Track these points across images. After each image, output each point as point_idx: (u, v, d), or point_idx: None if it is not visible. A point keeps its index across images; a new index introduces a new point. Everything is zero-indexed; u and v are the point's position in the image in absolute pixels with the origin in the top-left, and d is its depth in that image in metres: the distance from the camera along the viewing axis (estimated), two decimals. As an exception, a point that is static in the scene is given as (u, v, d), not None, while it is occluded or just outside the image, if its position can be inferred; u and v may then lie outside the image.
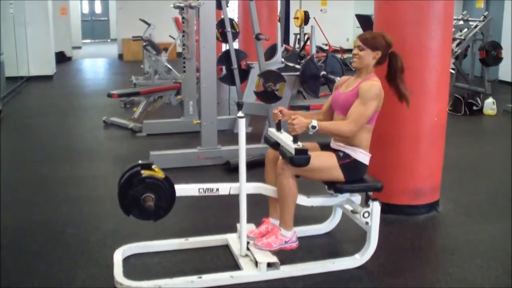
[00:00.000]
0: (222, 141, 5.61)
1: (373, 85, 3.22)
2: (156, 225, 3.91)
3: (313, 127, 3.09)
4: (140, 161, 3.25)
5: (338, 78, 5.38)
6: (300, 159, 3.08)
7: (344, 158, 3.28)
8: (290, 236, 3.33)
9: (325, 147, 3.44)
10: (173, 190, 3.19)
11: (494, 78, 10.58)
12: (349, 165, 3.28)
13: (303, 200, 3.40)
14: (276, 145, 3.36)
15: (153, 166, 3.21)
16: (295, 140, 3.12)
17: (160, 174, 3.17)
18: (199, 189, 3.31)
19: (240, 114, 3.25)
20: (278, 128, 3.41)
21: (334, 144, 3.40)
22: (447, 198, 4.44)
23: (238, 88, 6.83)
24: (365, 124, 3.24)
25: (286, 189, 3.20)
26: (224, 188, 3.34)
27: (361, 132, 3.26)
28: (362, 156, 3.31)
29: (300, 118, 3.11)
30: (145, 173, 3.14)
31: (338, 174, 3.26)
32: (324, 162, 3.25)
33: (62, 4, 14.71)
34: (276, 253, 3.29)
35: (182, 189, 3.28)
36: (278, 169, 3.24)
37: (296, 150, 3.07)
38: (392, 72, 3.39)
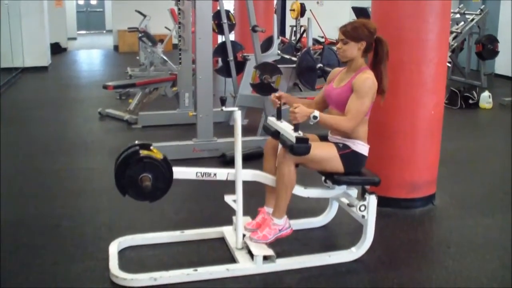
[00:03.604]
0: (217, 133, 5.59)
1: (366, 79, 3.20)
2: (152, 218, 3.92)
3: (315, 117, 3.08)
4: (138, 141, 3.21)
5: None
6: (300, 147, 3.07)
7: (344, 149, 3.27)
8: (283, 223, 3.33)
9: (324, 138, 3.44)
10: (170, 172, 3.16)
11: (490, 71, 10.59)
12: (349, 156, 3.27)
13: (300, 191, 3.39)
14: (275, 134, 3.35)
15: (151, 147, 3.18)
16: (296, 128, 3.11)
17: (159, 155, 3.14)
18: (196, 172, 3.28)
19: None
20: (278, 117, 3.39)
21: (332, 138, 3.39)
22: (443, 192, 4.44)
23: (234, 80, 6.81)
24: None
25: (286, 177, 3.19)
26: (221, 173, 3.31)
27: (358, 125, 3.24)
28: (361, 147, 3.31)
29: (302, 107, 3.10)
30: (143, 153, 3.11)
31: (337, 165, 3.25)
32: (324, 152, 3.24)
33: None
34: (272, 245, 3.29)
35: (180, 172, 3.25)
36: (279, 157, 3.23)
37: (297, 138, 3.06)
38: (377, 58, 3.32)
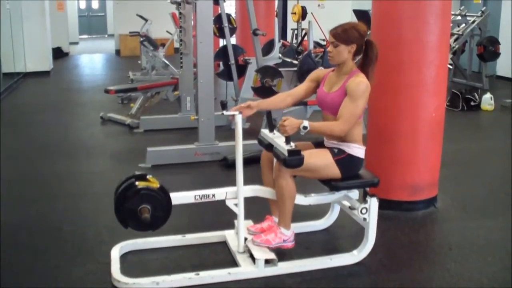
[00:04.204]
0: (219, 137, 5.59)
1: (360, 82, 3.17)
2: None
3: (305, 127, 3.06)
4: (136, 172, 3.22)
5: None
6: (293, 160, 3.06)
7: (339, 154, 3.26)
8: (289, 235, 3.33)
9: (319, 145, 3.42)
10: (168, 199, 3.16)
11: (491, 73, 10.56)
12: (345, 160, 3.26)
13: (300, 200, 3.39)
14: (269, 147, 3.34)
15: (147, 176, 3.18)
16: (288, 141, 3.10)
17: (155, 184, 3.14)
18: (195, 196, 3.30)
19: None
20: (271, 129, 3.38)
21: (327, 143, 3.38)
22: (445, 194, 4.44)
23: (236, 83, 6.82)
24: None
25: (284, 190, 3.19)
26: (220, 193, 3.32)
27: (352, 128, 3.23)
28: (357, 150, 3.29)
29: (291, 119, 3.08)
30: (139, 184, 3.12)
31: (334, 171, 3.24)
32: (319, 160, 3.23)
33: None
34: (273, 249, 3.29)
35: (178, 198, 3.26)
36: (275, 170, 3.22)
37: (289, 151, 3.05)
38: (367, 60, 3.30)
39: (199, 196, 3.30)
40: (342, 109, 3.18)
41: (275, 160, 3.27)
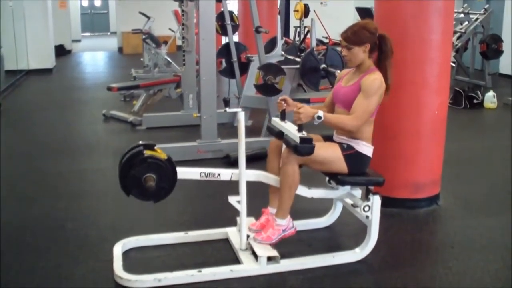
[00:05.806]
0: (221, 135, 5.60)
1: (375, 79, 3.21)
2: (156, 219, 3.92)
3: (319, 117, 3.09)
4: (141, 141, 3.21)
5: (338, 71, 5.37)
6: (304, 147, 3.07)
7: (348, 149, 3.28)
8: (286, 223, 3.33)
9: (328, 139, 3.44)
10: (174, 172, 3.15)
11: (494, 71, 10.55)
12: (353, 156, 3.28)
13: (304, 191, 3.39)
14: (279, 135, 3.35)
15: (155, 147, 3.18)
16: (300, 129, 3.11)
17: (163, 155, 3.14)
18: (200, 173, 3.28)
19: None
20: (283, 118, 3.39)
21: (337, 138, 3.39)
22: (447, 192, 4.43)
23: (238, 81, 6.81)
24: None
25: (290, 177, 3.19)
26: (225, 173, 3.31)
27: (363, 125, 3.25)
28: (365, 148, 3.31)
29: (306, 107, 3.12)
30: (147, 153, 3.11)
31: (341, 165, 3.26)
32: (328, 153, 3.25)
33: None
34: (276, 246, 3.29)
35: (184, 172, 3.24)
36: (283, 157, 3.22)
37: (301, 138, 3.06)
38: (382, 55, 3.32)
39: (205, 173, 3.28)
40: (355, 105, 3.20)
41: (283, 147, 3.27)
